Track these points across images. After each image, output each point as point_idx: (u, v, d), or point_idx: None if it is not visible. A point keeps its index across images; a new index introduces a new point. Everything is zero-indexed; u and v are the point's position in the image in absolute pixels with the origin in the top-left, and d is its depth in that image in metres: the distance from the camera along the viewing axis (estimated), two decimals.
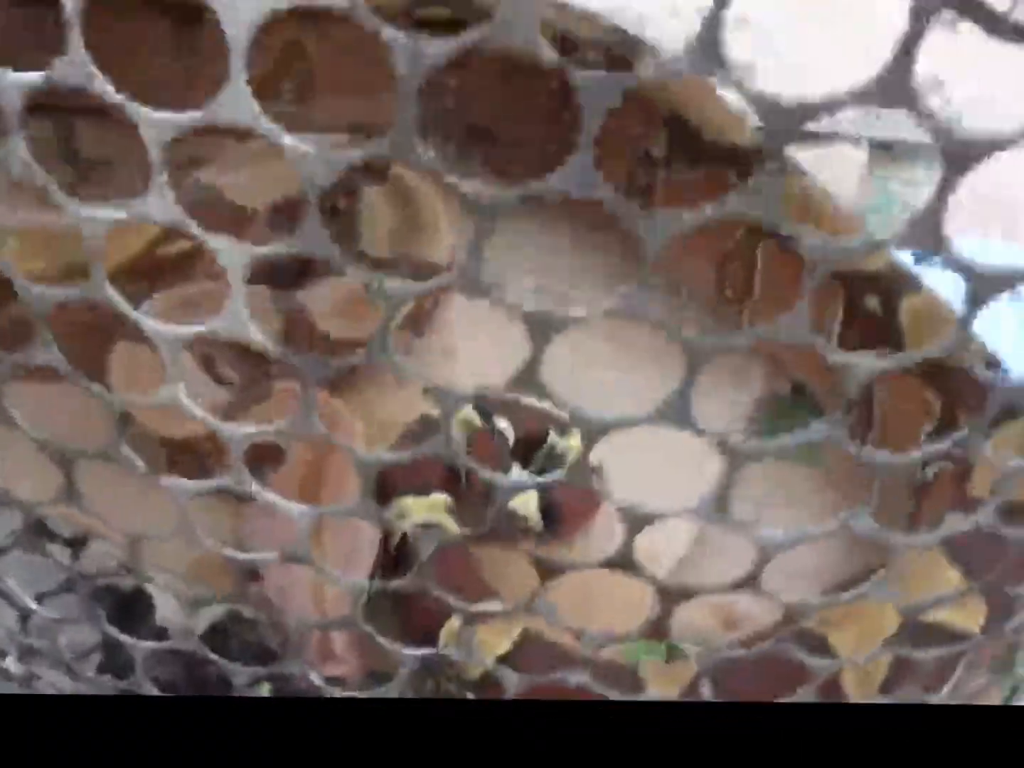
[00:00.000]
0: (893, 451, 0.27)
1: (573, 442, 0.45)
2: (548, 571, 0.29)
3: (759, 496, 0.48)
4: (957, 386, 0.45)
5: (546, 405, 0.46)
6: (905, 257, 0.56)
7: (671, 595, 0.28)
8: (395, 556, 0.38)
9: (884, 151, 0.63)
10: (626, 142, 0.54)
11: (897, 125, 0.64)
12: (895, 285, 0.48)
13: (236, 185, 0.47)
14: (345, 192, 0.48)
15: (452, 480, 0.44)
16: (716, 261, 0.54)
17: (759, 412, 0.54)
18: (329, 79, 0.57)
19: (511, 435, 0.45)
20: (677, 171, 0.53)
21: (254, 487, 0.28)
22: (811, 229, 0.45)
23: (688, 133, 0.52)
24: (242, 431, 0.27)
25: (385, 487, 0.42)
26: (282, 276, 0.46)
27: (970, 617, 0.35)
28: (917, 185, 0.62)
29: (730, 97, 0.53)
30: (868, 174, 0.62)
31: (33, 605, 0.39)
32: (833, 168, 0.62)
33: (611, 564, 0.27)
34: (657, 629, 0.29)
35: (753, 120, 0.52)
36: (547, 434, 0.45)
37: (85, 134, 0.56)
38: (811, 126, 0.62)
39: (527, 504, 0.44)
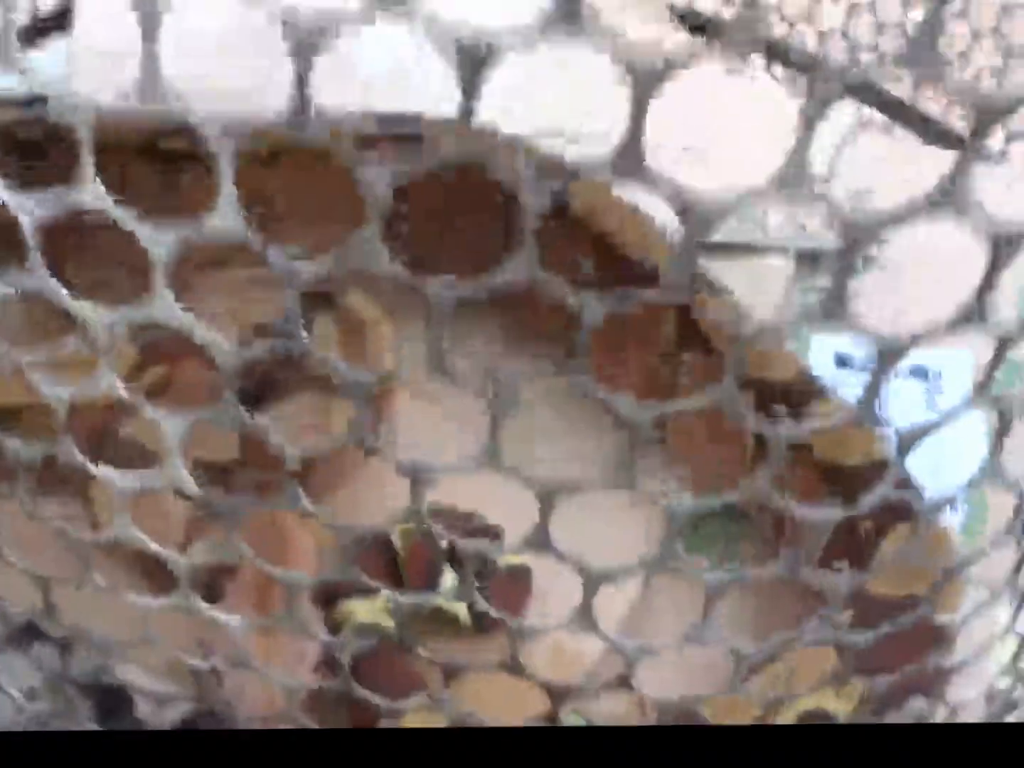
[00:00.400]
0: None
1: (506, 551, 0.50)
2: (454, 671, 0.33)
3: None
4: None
5: (483, 514, 0.51)
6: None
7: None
8: (335, 657, 0.43)
9: (810, 261, 0.69)
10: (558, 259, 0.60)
11: (823, 233, 0.69)
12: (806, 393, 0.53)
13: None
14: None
15: (393, 581, 0.49)
16: (644, 359, 0.59)
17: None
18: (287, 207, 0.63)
19: (444, 542, 0.50)
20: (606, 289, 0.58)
21: (201, 604, 0.33)
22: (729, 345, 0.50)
23: (615, 253, 0.57)
24: (189, 561, 0.32)
25: (330, 591, 0.47)
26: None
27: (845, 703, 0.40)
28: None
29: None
30: (792, 286, 0.68)
31: (22, 700, 0.44)
32: (758, 280, 0.68)
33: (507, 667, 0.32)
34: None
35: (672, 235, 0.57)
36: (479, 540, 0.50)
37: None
38: (736, 236, 0.69)
39: (459, 607, 0.49)
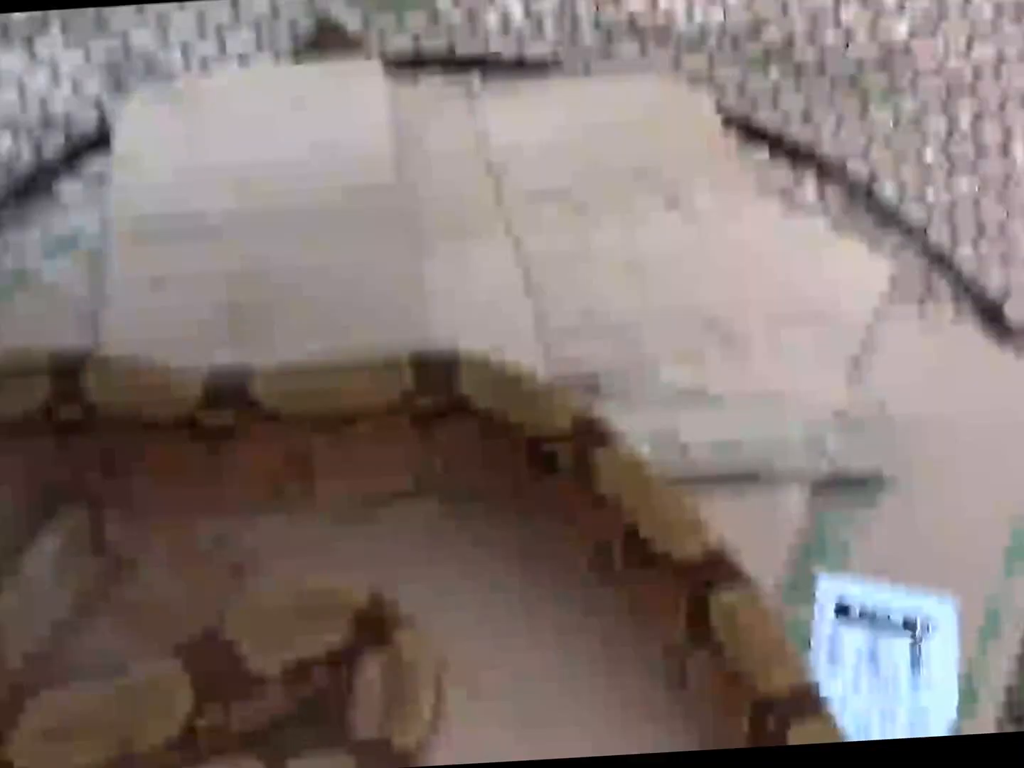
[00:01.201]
0: None
1: None
2: None
3: None
4: None
5: None
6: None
7: None
8: None
9: (825, 488, 0.71)
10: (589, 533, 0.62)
11: (844, 456, 0.71)
12: None
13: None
14: (347, 657, 0.56)
15: None
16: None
17: None
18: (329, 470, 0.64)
19: None
20: (629, 569, 0.61)
21: None
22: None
23: (640, 540, 0.59)
24: None
25: None
26: None
27: None
28: (851, 522, 0.69)
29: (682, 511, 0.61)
30: (807, 512, 0.70)
31: None
32: (775, 507, 0.70)
33: None
34: None
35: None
36: None
37: (113, 526, 0.64)
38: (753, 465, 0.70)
39: None
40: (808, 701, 0.55)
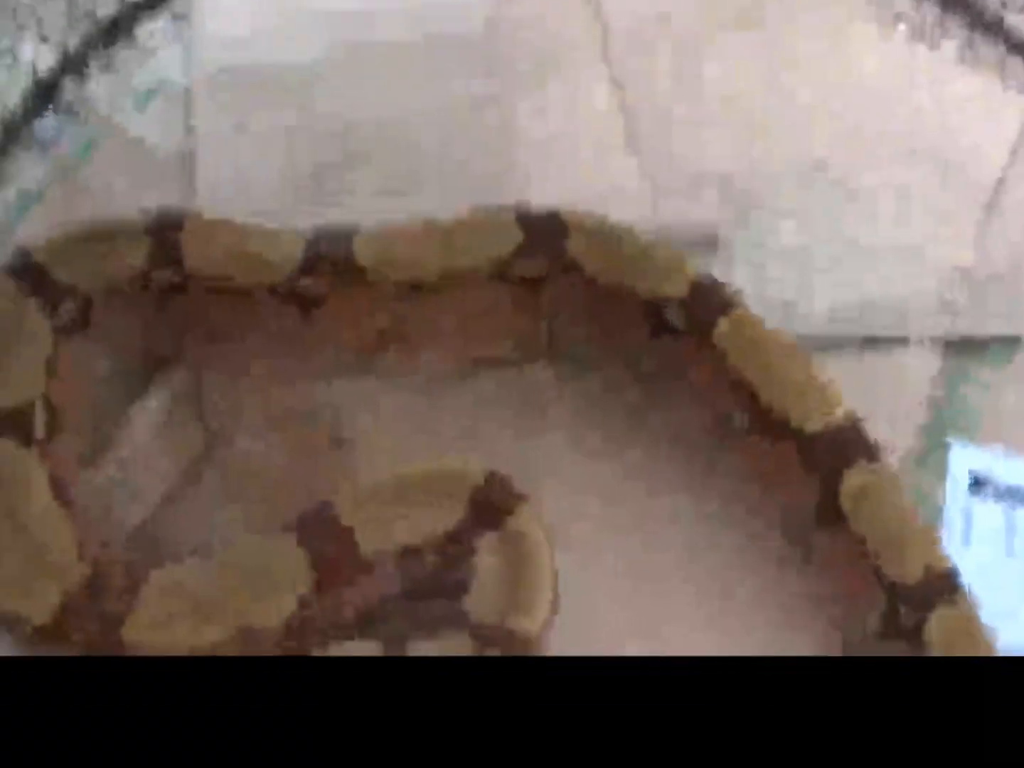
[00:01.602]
0: None
1: None
2: None
3: None
4: None
5: None
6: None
7: None
8: None
9: (957, 351, 0.66)
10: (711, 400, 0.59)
11: (976, 316, 0.67)
12: None
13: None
14: (464, 537, 0.55)
15: None
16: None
17: None
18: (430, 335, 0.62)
19: None
20: (753, 439, 0.58)
21: None
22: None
23: (766, 410, 0.57)
24: None
25: None
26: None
27: None
28: (986, 386, 0.65)
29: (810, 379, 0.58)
30: (938, 377, 0.66)
31: None
32: (906, 371, 0.66)
33: None
34: None
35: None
36: None
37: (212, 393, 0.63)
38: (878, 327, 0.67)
39: None
40: (945, 585, 0.53)
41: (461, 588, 0.54)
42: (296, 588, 0.52)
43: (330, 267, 0.59)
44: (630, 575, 0.59)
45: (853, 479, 0.54)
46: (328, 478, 0.60)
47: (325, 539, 0.53)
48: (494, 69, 0.77)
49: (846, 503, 0.54)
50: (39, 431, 0.55)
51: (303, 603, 0.52)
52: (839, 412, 0.56)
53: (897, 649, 0.52)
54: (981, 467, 0.63)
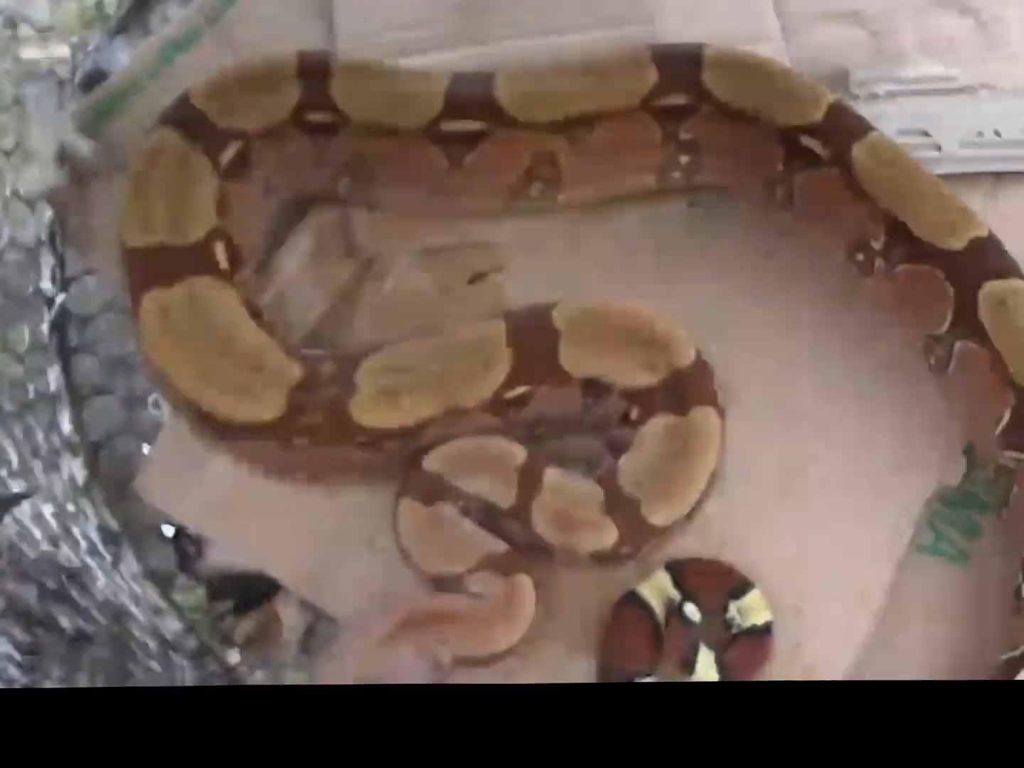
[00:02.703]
0: None
1: (749, 601, 0.57)
2: None
3: None
4: None
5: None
6: None
7: None
8: None
9: None
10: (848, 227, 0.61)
11: None
12: None
13: None
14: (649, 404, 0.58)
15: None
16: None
17: None
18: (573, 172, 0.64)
19: (696, 617, 0.57)
20: (891, 262, 0.59)
21: None
22: None
23: (905, 232, 0.58)
24: None
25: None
26: None
27: None
28: None
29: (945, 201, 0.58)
30: None
31: None
32: None
33: None
34: None
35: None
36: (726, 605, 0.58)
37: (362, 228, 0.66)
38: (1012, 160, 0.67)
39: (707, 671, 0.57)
40: None
41: (619, 447, 0.58)
42: (498, 367, 0.57)
43: (473, 109, 0.61)
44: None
45: (993, 290, 0.56)
46: (472, 308, 0.64)
47: (532, 333, 0.58)
48: None
49: (985, 314, 0.55)
50: (223, 263, 0.59)
51: (505, 383, 0.57)
52: (977, 229, 0.57)
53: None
54: None
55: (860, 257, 0.61)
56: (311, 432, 0.56)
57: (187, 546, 0.66)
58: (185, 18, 0.71)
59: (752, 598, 0.58)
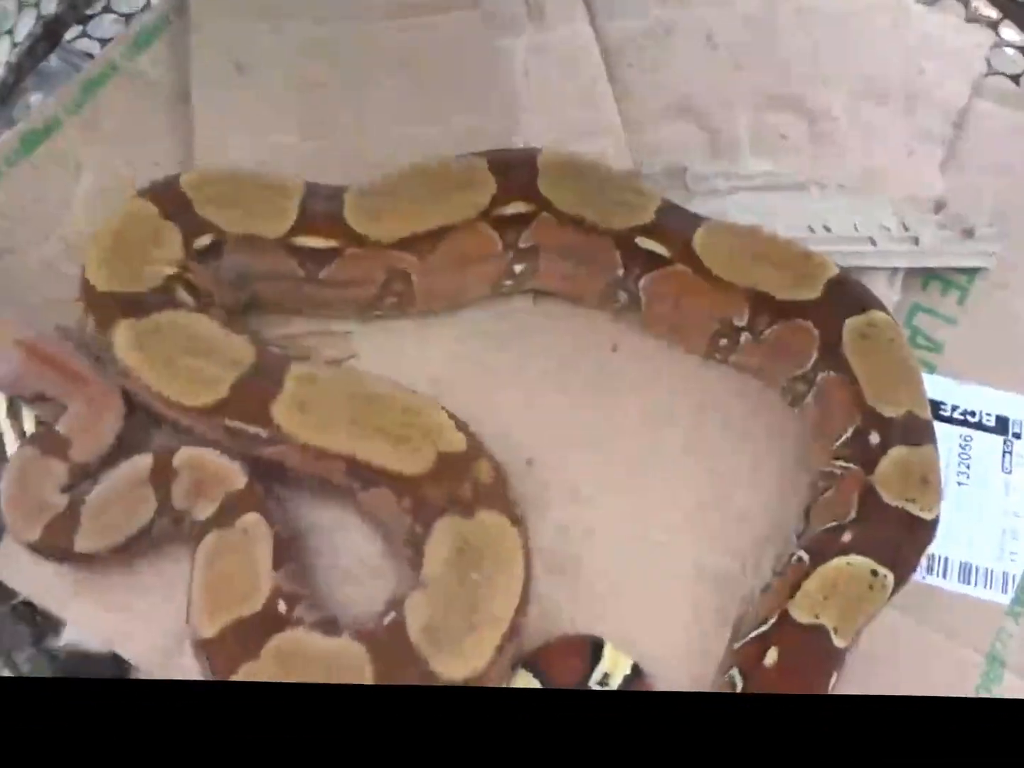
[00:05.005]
0: None
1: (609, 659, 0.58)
2: None
3: None
4: None
5: None
6: None
7: None
8: None
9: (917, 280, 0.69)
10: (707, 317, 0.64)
11: (937, 247, 0.70)
12: None
13: None
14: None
15: None
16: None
17: None
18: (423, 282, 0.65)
19: None
20: (757, 331, 0.63)
21: None
22: None
23: (767, 300, 0.61)
24: None
25: None
26: None
27: None
28: (944, 319, 0.70)
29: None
30: (899, 305, 0.69)
31: None
32: None
33: None
34: None
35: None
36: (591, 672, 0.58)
37: None
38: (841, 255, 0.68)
39: None
40: (918, 428, 0.58)
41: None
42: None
43: (325, 228, 0.62)
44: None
45: (855, 324, 0.60)
46: None
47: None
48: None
49: (848, 347, 0.59)
50: (188, 302, 0.61)
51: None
52: (830, 269, 0.62)
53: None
54: (938, 394, 0.67)
55: (724, 342, 0.64)
56: None
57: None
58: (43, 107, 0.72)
59: (609, 653, 0.59)
